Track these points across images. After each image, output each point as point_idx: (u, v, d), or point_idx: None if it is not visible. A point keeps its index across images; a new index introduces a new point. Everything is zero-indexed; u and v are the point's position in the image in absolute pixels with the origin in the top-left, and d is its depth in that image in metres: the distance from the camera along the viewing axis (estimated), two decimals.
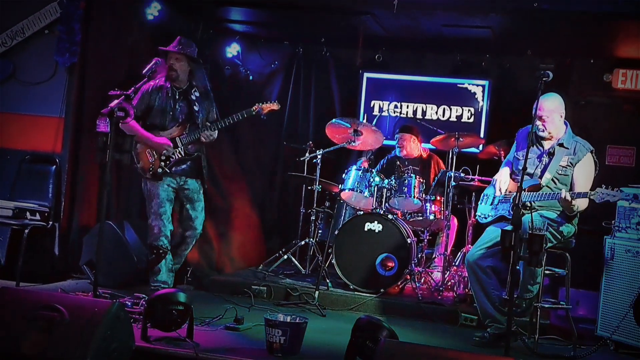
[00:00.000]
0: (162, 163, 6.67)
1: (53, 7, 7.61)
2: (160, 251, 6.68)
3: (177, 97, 6.73)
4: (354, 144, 8.03)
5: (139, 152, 6.74)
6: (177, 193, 6.83)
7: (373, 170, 7.92)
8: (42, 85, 7.69)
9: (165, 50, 6.68)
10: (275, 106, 6.75)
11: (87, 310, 4.39)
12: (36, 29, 7.68)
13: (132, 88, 5.90)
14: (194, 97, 6.74)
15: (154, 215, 6.72)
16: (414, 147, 8.70)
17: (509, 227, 4.88)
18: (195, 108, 6.72)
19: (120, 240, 7.29)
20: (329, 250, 7.67)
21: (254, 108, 6.78)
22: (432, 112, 9.68)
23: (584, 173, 6.00)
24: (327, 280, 7.58)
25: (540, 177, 6.06)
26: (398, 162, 8.35)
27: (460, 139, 7.87)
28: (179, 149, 6.64)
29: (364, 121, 8.16)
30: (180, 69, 6.70)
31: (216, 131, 6.81)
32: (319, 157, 8.24)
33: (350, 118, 8.27)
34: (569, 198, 5.68)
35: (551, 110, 6.03)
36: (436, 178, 8.35)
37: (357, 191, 7.81)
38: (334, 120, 8.17)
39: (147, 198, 6.78)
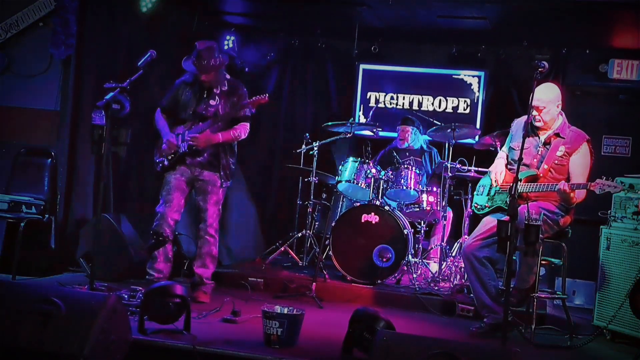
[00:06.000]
0: (169, 156, 6.65)
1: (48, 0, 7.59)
2: (160, 238, 6.62)
3: (203, 93, 6.69)
4: (350, 136, 8.06)
5: (157, 146, 6.77)
6: (193, 184, 6.74)
7: (370, 161, 7.92)
8: (37, 78, 7.68)
9: (199, 71, 6.56)
10: (263, 100, 6.62)
11: (84, 303, 4.39)
12: (31, 22, 7.66)
13: (128, 80, 5.86)
14: (217, 92, 6.68)
15: (162, 200, 6.66)
16: (415, 138, 8.72)
17: (506, 218, 4.89)
18: (212, 103, 6.65)
19: (117, 233, 7.29)
20: (326, 242, 7.68)
21: (241, 106, 6.64)
22: (428, 103, 9.68)
23: (581, 163, 5.99)
24: (324, 272, 7.58)
25: (537, 167, 6.06)
26: (395, 154, 8.36)
27: (456, 130, 7.88)
28: (185, 142, 6.58)
29: (360, 116, 8.15)
30: (212, 77, 6.59)
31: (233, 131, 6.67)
32: (315, 149, 8.25)
33: (344, 121, 8.29)
34: (567, 189, 5.69)
35: (548, 101, 6.01)
36: (433, 169, 8.36)
37: (353, 183, 7.81)
38: (329, 123, 8.23)
39: (162, 187, 6.75)
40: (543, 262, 6.13)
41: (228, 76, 6.79)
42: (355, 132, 8.27)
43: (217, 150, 6.65)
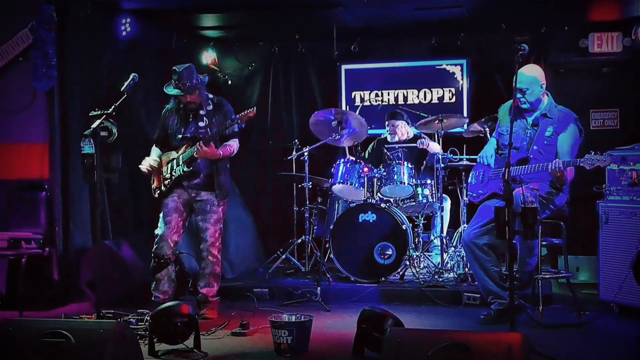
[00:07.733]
0: (165, 182, 6.68)
1: (25, 34, 7.54)
2: (161, 260, 6.63)
3: (189, 117, 6.70)
4: (339, 138, 8.06)
5: (154, 174, 6.81)
6: (191, 205, 6.76)
7: (361, 161, 7.93)
8: (22, 112, 7.64)
9: (184, 92, 6.52)
10: (252, 113, 6.61)
11: (92, 332, 4.39)
12: (10, 57, 7.61)
13: (113, 106, 5.86)
14: (203, 113, 6.67)
15: (160, 223, 6.68)
16: (405, 131, 8.72)
17: (502, 204, 4.90)
18: (201, 124, 6.66)
19: (118, 259, 7.31)
20: (327, 245, 7.70)
21: (231, 122, 6.64)
22: (414, 96, 9.70)
23: (567, 141, 6.01)
24: (328, 275, 7.60)
25: (527, 149, 6.08)
26: (385, 149, 8.35)
27: (444, 121, 7.90)
28: (181, 166, 6.59)
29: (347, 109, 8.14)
30: (196, 97, 6.60)
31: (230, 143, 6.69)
32: (306, 154, 8.27)
33: (332, 108, 8.30)
34: (561, 167, 5.70)
35: (530, 82, 6.04)
36: (425, 162, 8.36)
37: (347, 184, 7.83)
38: (315, 113, 8.20)
39: (160, 210, 6.77)
40: (543, 243, 6.16)
41: (211, 95, 6.81)
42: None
43: (211, 171, 6.67)
